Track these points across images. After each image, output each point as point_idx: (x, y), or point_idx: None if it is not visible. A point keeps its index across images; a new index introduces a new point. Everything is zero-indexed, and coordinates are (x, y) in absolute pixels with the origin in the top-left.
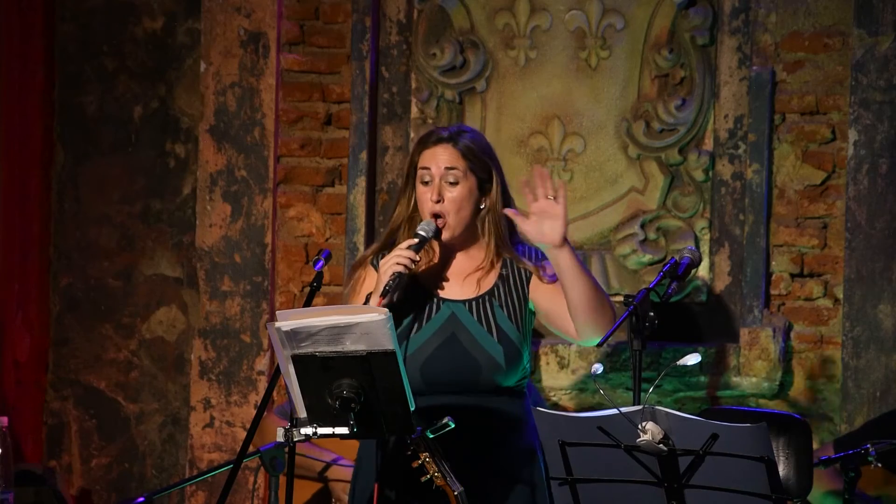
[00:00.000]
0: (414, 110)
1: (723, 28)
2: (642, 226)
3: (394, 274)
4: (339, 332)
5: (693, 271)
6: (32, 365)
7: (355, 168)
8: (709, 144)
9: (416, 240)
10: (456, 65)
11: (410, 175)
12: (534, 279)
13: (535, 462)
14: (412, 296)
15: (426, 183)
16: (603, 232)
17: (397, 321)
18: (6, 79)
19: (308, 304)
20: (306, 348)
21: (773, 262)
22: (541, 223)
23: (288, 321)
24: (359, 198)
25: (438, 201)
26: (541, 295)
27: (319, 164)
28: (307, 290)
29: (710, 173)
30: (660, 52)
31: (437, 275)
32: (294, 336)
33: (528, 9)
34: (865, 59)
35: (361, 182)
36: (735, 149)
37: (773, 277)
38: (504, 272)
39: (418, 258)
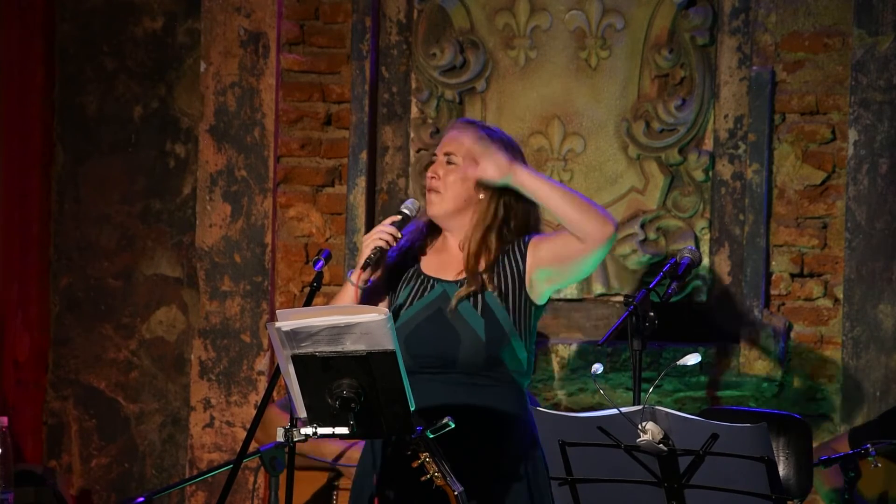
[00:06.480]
0: (414, 110)
1: (723, 28)
2: (642, 226)
3: (374, 248)
4: (339, 332)
5: (693, 271)
6: (32, 365)
7: (355, 168)
8: (709, 144)
9: (399, 217)
10: (456, 65)
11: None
12: (530, 248)
13: (531, 461)
14: (409, 275)
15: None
16: None
17: (392, 298)
18: (6, 79)
19: (308, 304)
20: (306, 348)
21: (773, 262)
22: (485, 167)
23: (288, 321)
24: (359, 198)
25: (433, 177)
26: (540, 255)
27: (319, 164)
28: (307, 290)
29: (710, 173)
30: (660, 52)
31: (435, 256)
32: (294, 336)
33: (528, 9)
34: (865, 59)
35: (361, 182)
36: (735, 149)
37: (773, 277)
38: (501, 256)
39: (400, 235)
